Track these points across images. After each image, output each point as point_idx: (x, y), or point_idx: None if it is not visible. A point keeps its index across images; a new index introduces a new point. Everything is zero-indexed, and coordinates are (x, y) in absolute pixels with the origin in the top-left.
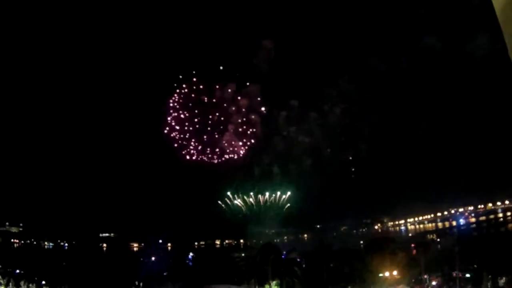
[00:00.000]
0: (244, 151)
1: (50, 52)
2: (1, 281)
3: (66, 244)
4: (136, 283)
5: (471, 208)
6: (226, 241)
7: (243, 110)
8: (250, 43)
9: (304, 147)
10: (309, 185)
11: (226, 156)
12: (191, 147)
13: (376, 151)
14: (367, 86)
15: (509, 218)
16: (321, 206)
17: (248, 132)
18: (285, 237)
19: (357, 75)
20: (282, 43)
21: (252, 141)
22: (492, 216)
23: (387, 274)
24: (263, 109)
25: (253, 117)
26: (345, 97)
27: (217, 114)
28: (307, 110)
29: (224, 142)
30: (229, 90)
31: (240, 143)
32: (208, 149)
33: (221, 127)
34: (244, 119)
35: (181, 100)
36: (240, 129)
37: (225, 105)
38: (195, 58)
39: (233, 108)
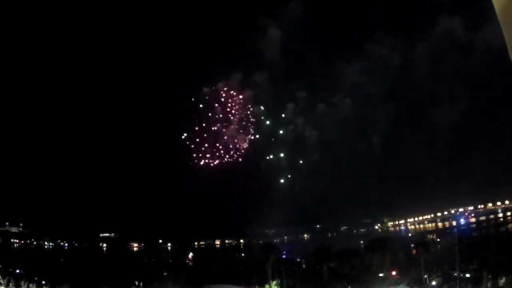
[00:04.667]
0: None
1: (54, 51)
2: (1, 281)
3: (66, 244)
4: (136, 283)
5: (471, 208)
6: (226, 241)
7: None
8: (256, 31)
9: (311, 142)
10: (311, 183)
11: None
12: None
13: (375, 151)
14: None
15: (509, 218)
16: (321, 205)
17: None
18: (285, 237)
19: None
20: (289, 29)
21: (257, 136)
22: (492, 216)
23: (387, 274)
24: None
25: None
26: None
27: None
28: (315, 102)
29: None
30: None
31: (244, 138)
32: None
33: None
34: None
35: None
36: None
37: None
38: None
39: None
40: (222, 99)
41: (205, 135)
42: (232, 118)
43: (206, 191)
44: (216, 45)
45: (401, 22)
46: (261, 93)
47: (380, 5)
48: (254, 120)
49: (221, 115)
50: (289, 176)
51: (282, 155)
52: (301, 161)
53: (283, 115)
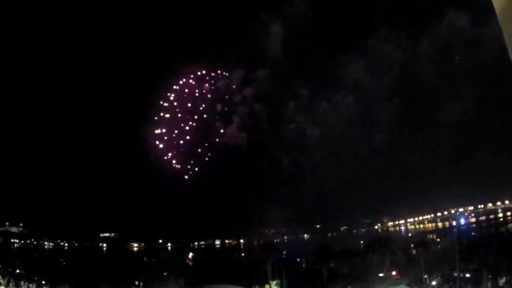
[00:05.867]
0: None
1: (50, 55)
2: (1, 281)
3: (66, 244)
4: (136, 283)
5: (471, 208)
6: (226, 241)
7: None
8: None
9: (313, 141)
10: (312, 183)
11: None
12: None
13: (375, 151)
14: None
15: (509, 218)
16: (321, 205)
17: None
18: (285, 237)
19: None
20: (292, 26)
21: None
22: (492, 216)
23: (387, 274)
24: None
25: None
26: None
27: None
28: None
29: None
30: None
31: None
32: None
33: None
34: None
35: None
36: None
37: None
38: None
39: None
40: (226, 97)
41: (205, 134)
42: (233, 116)
43: (206, 191)
44: (217, 41)
45: (405, 19)
46: (262, 90)
47: (383, 1)
48: (255, 118)
49: (222, 114)
50: (290, 175)
51: (283, 154)
52: (302, 161)
53: (284, 113)
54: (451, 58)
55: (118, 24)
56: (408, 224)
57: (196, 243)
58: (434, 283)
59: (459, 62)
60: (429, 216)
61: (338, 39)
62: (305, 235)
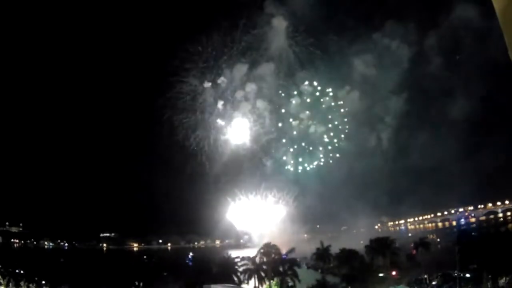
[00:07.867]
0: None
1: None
2: (1, 281)
3: (66, 244)
4: (136, 283)
5: (471, 208)
6: (226, 241)
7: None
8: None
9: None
10: (312, 184)
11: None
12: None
13: (375, 151)
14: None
15: (509, 218)
16: (322, 205)
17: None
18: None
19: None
20: (296, 19)
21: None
22: (492, 216)
23: (387, 274)
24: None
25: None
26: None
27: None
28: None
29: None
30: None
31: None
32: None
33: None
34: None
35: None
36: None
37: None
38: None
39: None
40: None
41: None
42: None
43: (206, 190)
44: (219, 36)
45: (412, 12)
46: (265, 86)
47: None
48: (257, 115)
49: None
50: (292, 174)
51: (284, 154)
52: (303, 160)
53: (286, 110)
54: (459, 54)
55: (115, 18)
56: (408, 224)
57: (196, 243)
58: (434, 283)
59: (466, 59)
60: (429, 216)
61: (344, 33)
62: (305, 235)
